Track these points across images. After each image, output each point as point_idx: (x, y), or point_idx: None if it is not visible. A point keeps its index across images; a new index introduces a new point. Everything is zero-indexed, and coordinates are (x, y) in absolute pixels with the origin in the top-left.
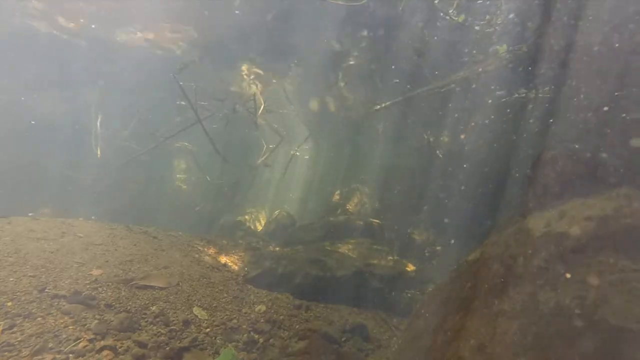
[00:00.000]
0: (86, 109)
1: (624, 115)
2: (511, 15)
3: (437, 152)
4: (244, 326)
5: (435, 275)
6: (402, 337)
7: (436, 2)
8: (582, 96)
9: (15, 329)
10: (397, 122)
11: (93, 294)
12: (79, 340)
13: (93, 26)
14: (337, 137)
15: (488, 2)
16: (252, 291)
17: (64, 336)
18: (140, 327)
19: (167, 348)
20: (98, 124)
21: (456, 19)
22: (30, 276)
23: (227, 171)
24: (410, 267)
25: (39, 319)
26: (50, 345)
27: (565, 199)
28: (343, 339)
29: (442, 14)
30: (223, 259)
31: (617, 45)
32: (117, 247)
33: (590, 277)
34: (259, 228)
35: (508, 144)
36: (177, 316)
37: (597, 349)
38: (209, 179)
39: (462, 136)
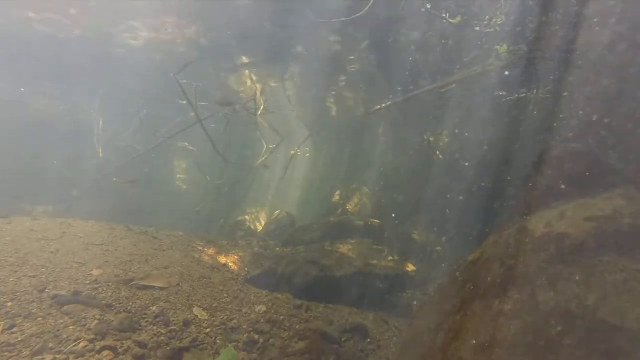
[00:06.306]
0: (86, 109)
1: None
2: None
3: (437, 152)
4: (244, 326)
5: (435, 275)
6: (402, 337)
7: (428, 6)
8: (583, 96)
9: (15, 329)
10: (397, 122)
11: (93, 294)
12: (79, 340)
13: (92, 24)
14: (337, 137)
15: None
16: (252, 291)
17: (64, 336)
18: (140, 327)
19: (167, 348)
20: (100, 123)
21: (452, 20)
22: (30, 276)
23: (227, 171)
24: (410, 267)
25: (39, 319)
26: (50, 345)
27: (565, 199)
28: (343, 339)
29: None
30: (223, 259)
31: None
32: (117, 247)
33: (590, 277)
34: (259, 228)
35: (508, 144)
36: (177, 316)
37: (597, 349)
38: (208, 178)
39: (462, 136)
